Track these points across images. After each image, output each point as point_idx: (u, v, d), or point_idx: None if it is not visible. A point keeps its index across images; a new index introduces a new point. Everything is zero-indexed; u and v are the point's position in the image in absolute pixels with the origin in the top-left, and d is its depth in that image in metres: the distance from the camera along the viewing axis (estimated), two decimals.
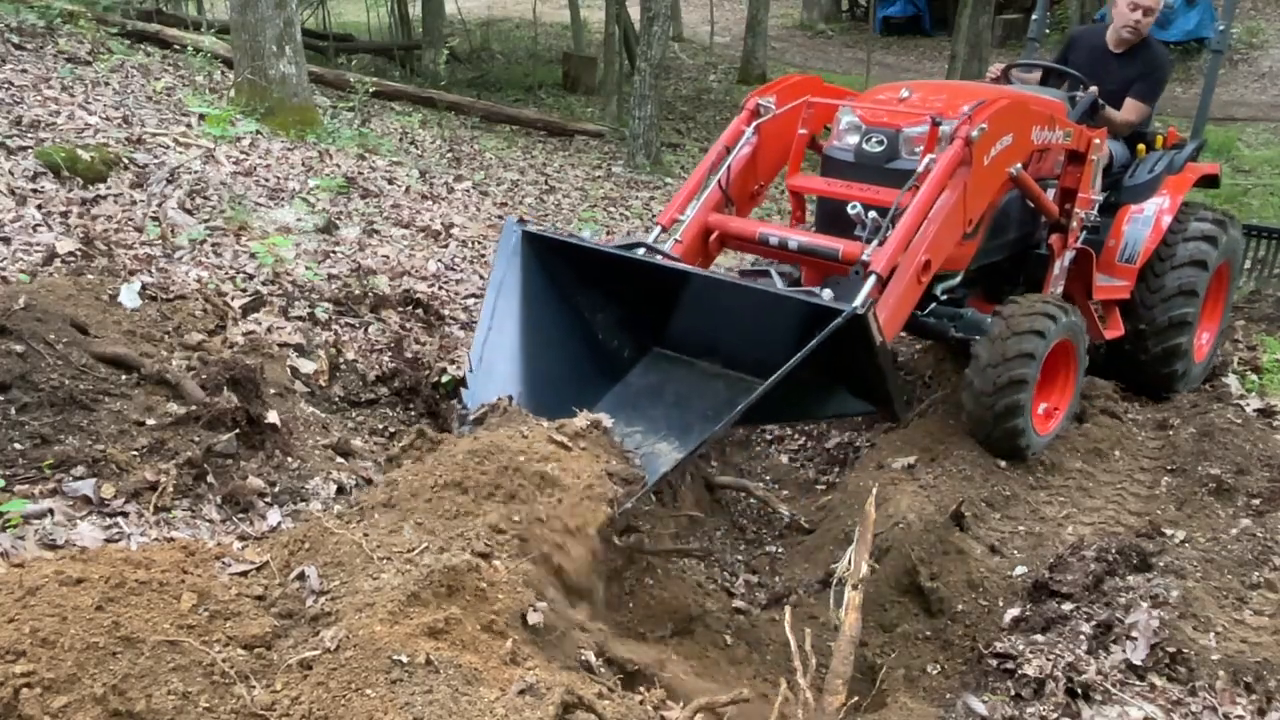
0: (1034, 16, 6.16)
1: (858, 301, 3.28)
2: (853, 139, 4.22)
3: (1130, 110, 5.01)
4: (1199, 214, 5.12)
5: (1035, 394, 4.22)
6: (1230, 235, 5.16)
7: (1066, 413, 4.52)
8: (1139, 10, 4.91)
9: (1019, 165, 4.10)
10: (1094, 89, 4.72)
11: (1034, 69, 5.28)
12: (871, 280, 3.49)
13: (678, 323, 3.96)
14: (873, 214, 3.84)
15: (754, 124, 4.29)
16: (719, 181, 4.20)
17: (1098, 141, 4.59)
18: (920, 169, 3.77)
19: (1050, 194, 4.62)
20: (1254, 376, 5.52)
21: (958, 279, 4.46)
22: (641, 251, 3.85)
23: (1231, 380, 5.43)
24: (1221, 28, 5.60)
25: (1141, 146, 5.22)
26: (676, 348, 4.00)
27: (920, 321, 4.47)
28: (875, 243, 3.64)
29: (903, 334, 4.68)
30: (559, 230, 3.92)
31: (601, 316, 4.00)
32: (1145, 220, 4.95)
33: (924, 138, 3.90)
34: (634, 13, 15.26)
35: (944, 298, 4.48)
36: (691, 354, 3.95)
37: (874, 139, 4.10)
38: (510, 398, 3.58)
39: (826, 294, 3.61)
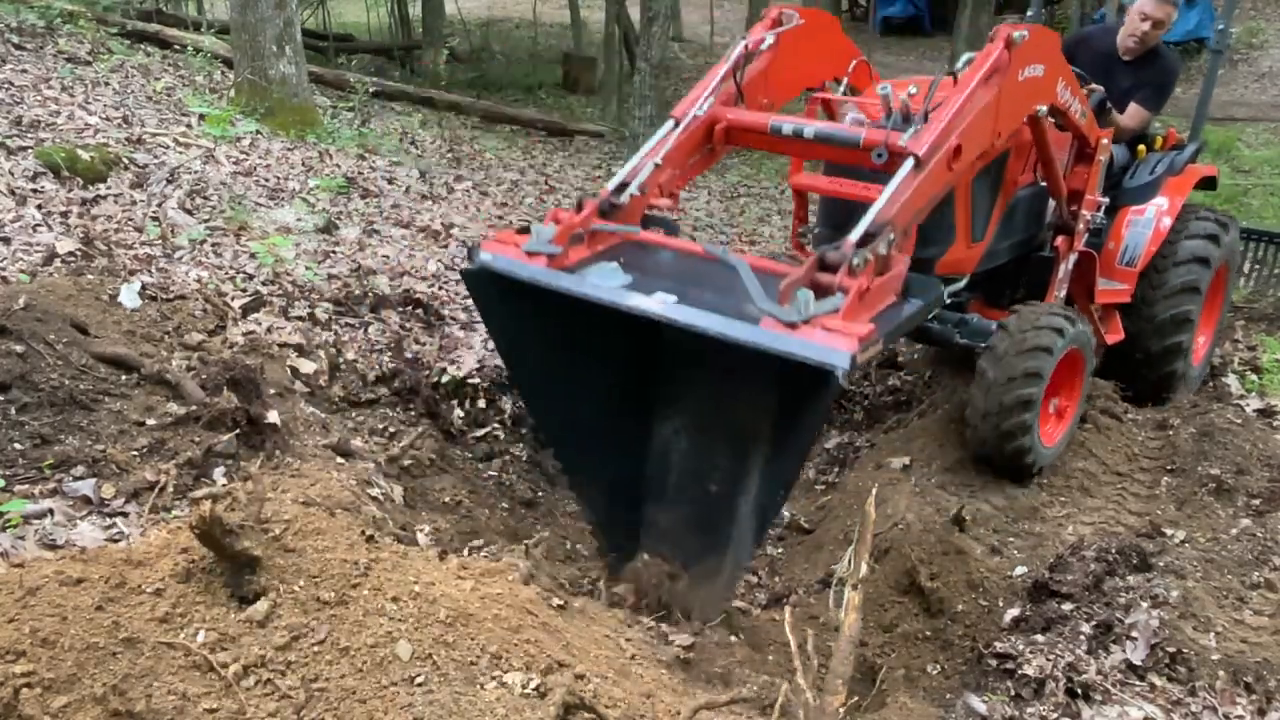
0: (1029, 13, 6.07)
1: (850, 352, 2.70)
2: None
3: (1132, 116, 5.00)
4: (1200, 214, 5.11)
5: (1042, 404, 4.13)
6: (1230, 237, 5.16)
7: (1073, 422, 4.46)
8: (1148, 21, 4.91)
9: (1044, 109, 3.94)
10: (1099, 89, 4.65)
11: None
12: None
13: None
14: (903, 95, 3.63)
15: (775, 30, 4.06)
16: (733, 75, 3.92)
17: (1105, 141, 4.56)
18: (961, 64, 3.63)
19: (1050, 204, 4.60)
20: (1254, 376, 5.52)
21: (963, 283, 4.40)
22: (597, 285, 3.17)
23: (1231, 380, 5.43)
24: (1221, 27, 5.52)
25: (1141, 148, 5.19)
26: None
27: (923, 327, 4.40)
28: (911, 129, 3.42)
29: (902, 337, 4.64)
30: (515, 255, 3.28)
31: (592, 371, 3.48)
32: (1145, 223, 4.92)
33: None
34: (634, 13, 15.25)
35: (949, 301, 4.37)
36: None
37: None
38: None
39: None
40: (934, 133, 3.36)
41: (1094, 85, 4.65)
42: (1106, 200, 4.69)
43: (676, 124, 3.81)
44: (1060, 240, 4.62)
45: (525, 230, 3.37)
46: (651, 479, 3.54)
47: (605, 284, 3.14)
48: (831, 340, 2.68)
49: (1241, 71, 16.61)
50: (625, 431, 3.54)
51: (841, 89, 4.36)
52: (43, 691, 1.80)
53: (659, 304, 2.96)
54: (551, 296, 3.19)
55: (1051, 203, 4.64)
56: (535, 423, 3.67)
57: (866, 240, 3.04)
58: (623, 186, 3.59)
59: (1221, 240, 5.03)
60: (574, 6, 17.30)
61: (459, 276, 5.50)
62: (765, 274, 3.08)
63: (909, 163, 3.30)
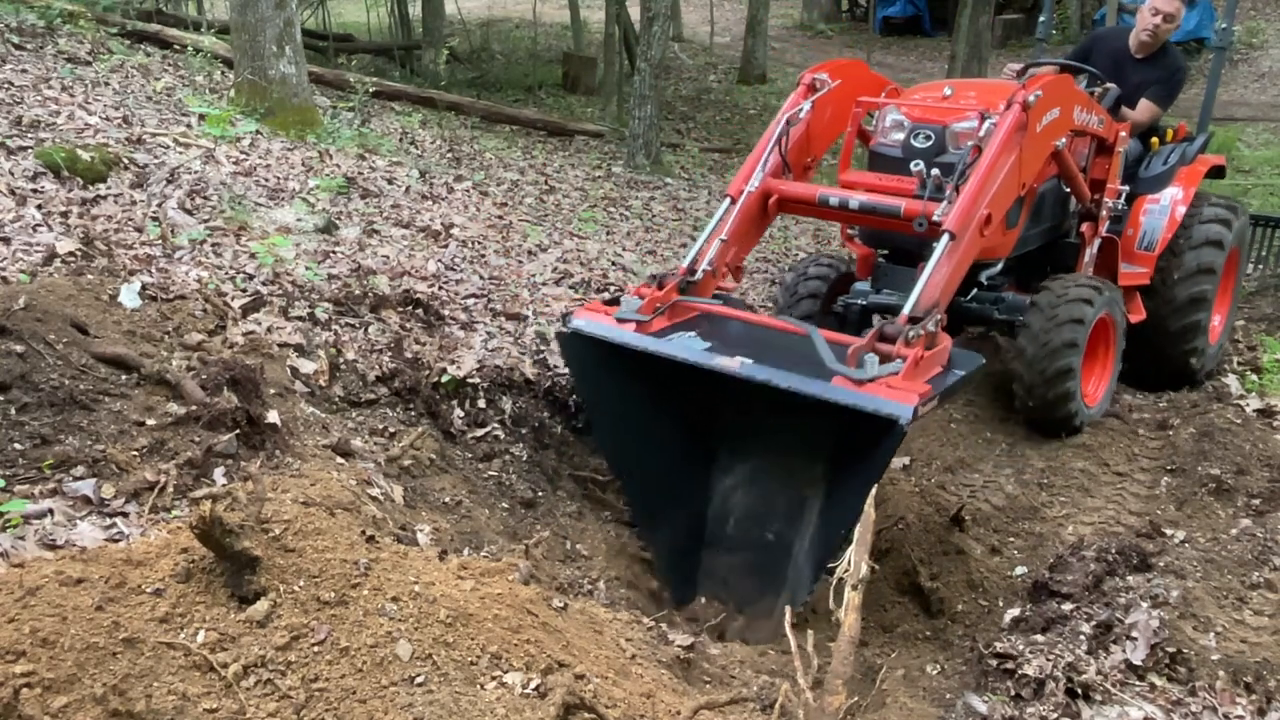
0: (1041, 18, 6.42)
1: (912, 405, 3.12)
2: (899, 135, 4.43)
3: (1143, 111, 5.23)
4: (1211, 201, 5.38)
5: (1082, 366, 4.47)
6: (1241, 221, 5.44)
7: (1110, 386, 4.80)
8: (1159, 15, 5.15)
9: (1063, 140, 4.30)
10: (1114, 87, 4.98)
11: (1053, 66, 5.42)
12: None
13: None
14: (935, 171, 3.97)
15: (810, 99, 4.41)
16: (779, 148, 4.30)
17: (1124, 134, 4.92)
18: (982, 132, 3.92)
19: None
20: (1254, 376, 5.52)
21: (999, 266, 4.68)
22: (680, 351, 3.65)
23: (1231, 380, 5.44)
24: (1223, 25, 5.87)
25: (1155, 140, 5.47)
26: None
27: (964, 307, 4.69)
28: (945, 201, 3.78)
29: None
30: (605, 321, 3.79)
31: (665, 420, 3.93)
32: (1161, 210, 5.22)
33: (971, 132, 4.08)
34: (634, 13, 15.25)
35: (986, 283, 4.74)
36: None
37: (921, 134, 4.30)
38: None
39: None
40: (965, 208, 3.71)
41: (1109, 85, 4.94)
42: (1127, 188, 5.05)
43: (733, 201, 4.18)
44: (1085, 226, 5.00)
45: (614, 302, 3.89)
46: (712, 528, 3.94)
47: (688, 348, 3.59)
48: (896, 395, 3.13)
49: (1241, 71, 16.61)
50: (691, 483, 3.96)
51: (876, 119, 4.69)
52: (43, 691, 1.80)
53: (739, 365, 3.39)
54: (634, 359, 3.65)
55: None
56: (611, 469, 4.10)
57: (916, 320, 3.43)
58: (695, 264, 4.04)
59: (1233, 224, 5.30)
60: (574, 6, 17.30)
61: (459, 276, 5.50)
62: (830, 342, 3.53)
63: (945, 239, 3.65)
